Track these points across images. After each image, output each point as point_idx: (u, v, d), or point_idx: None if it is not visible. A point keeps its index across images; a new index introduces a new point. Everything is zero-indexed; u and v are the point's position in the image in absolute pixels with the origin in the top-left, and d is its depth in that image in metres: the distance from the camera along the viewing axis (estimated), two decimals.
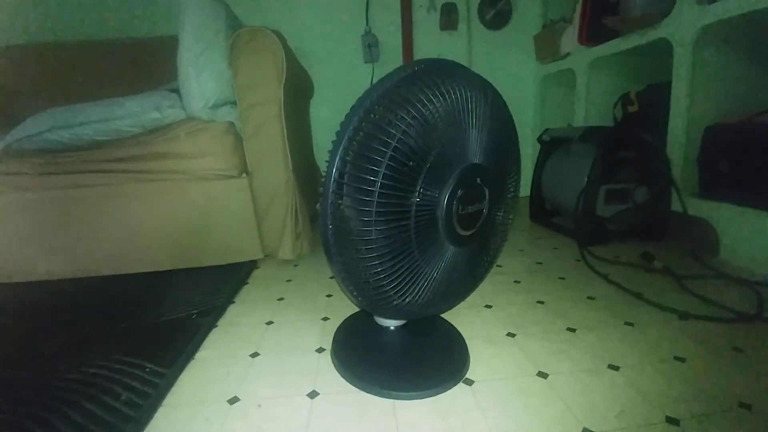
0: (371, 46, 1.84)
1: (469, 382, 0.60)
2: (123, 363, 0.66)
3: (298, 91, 1.42)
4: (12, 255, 1.07)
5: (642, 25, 1.23)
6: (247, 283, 1.03)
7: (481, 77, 0.56)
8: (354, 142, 0.47)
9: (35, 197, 1.06)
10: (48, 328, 0.81)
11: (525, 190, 1.35)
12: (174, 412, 0.56)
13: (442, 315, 0.78)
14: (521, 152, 0.68)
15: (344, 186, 0.48)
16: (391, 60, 1.90)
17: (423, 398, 0.57)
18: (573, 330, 0.74)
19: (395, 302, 0.55)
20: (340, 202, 0.49)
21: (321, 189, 0.48)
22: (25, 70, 1.59)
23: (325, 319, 0.82)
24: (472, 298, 0.81)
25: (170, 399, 0.59)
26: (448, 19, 1.87)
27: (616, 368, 0.62)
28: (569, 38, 1.64)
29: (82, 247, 1.08)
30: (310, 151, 1.74)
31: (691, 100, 1.13)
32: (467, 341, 0.69)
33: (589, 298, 0.87)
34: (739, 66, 1.12)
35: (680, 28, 1.12)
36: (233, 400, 0.58)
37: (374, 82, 1.93)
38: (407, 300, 0.55)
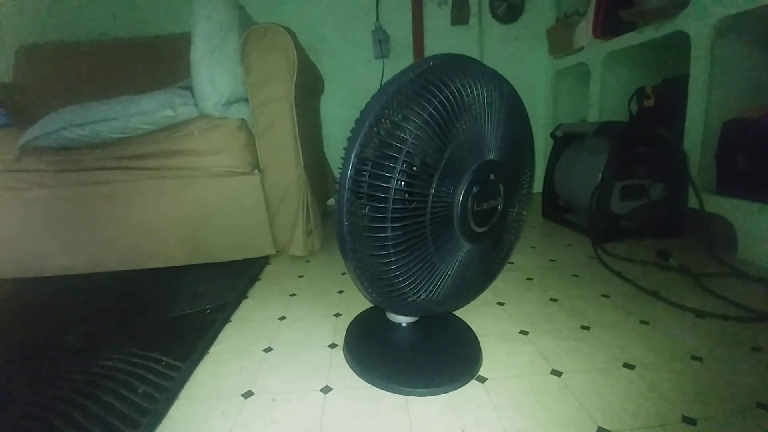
0: (381, 42, 1.84)
1: (482, 380, 0.59)
2: (140, 357, 0.68)
3: (309, 87, 1.42)
4: (30, 250, 1.10)
5: (659, 17, 1.21)
6: (260, 279, 1.04)
7: (496, 72, 0.55)
8: (369, 140, 0.47)
9: (52, 194, 1.08)
10: (66, 322, 0.83)
11: (537, 186, 1.33)
12: (190, 406, 0.57)
13: (454, 312, 0.78)
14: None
15: (360, 183, 0.48)
16: (402, 56, 1.89)
17: (436, 395, 0.57)
18: (587, 328, 0.73)
19: (410, 299, 0.55)
20: (355, 199, 0.49)
21: (336, 186, 0.48)
22: (42, 69, 1.61)
23: (337, 315, 0.82)
24: (485, 295, 0.80)
25: (186, 392, 0.60)
26: (459, 13, 1.86)
27: (631, 367, 0.61)
28: (583, 32, 1.61)
29: (98, 242, 1.10)
30: (320, 148, 1.74)
31: (709, 95, 1.10)
32: (479, 338, 0.69)
33: (604, 296, 0.86)
34: (758, 59, 1.09)
35: (698, 21, 1.09)
36: (248, 394, 0.58)
37: (385, 78, 1.90)
38: (422, 297, 0.55)
